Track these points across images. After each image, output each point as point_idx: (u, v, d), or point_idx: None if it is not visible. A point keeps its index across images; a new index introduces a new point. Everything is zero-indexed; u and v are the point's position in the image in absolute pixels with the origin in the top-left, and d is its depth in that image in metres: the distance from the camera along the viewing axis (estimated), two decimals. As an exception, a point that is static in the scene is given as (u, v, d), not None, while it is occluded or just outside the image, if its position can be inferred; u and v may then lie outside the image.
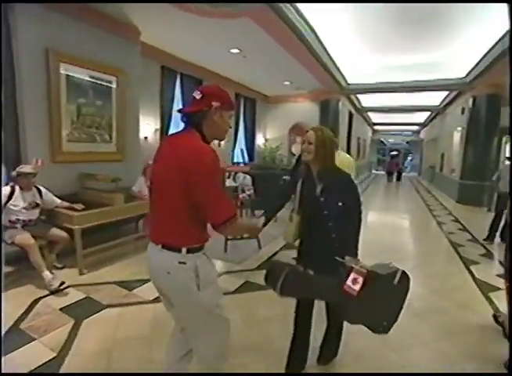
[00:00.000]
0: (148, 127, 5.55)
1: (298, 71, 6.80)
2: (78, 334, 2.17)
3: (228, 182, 4.14)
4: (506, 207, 3.19)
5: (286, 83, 8.08)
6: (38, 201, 3.03)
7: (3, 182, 3.07)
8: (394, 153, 23.92)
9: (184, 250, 1.18)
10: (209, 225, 1.22)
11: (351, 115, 11.59)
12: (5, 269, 2.86)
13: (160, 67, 5.66)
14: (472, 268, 3.62)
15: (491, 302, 2.78)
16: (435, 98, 10.37)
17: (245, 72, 7.10)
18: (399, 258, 3.92)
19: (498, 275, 3.36)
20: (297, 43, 5.20)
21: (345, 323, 1.81)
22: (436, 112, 12.66)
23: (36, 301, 2.58)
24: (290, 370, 1.75)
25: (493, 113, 7.57)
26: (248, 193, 4.06)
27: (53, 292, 2.69)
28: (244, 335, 2.18)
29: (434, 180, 13.12)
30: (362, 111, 13.34)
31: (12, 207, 2.83)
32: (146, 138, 5.49)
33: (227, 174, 4.14)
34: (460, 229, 5.61)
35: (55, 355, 1.92)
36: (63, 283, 2.74)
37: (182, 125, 1.29)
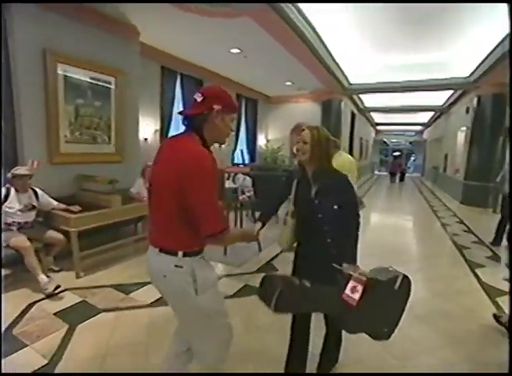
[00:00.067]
0: (148, 128, 5.51)
1: (300, 71, 6.74)
2: (72, 339, 2.11)
3: (228, 184, 4.08)
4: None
5: (288, 83, 8.02)
6: (34, 203, 2.98)
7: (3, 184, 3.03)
8: (397, 153, 23.75)
9: (180, 253, 1.15)
10: None
11: (353, 115, 11.51)
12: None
13: (160, 68, 5.63)
14: (478, 271, 3.53)
15: (498, 307, 2.69)
16: (439, 98, 10.26)
17: (246, 72, 7.06)
18: (402, 261, 3.84)
19: (505, 279, 3.26)
20: (298, 43, 5.14)
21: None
22: (440, 112, 12.53)
23: (31, 305, 2.53)
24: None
25: (498, 112, 7.45)
26: (248, 194, 4.00)
27: (48, 296, 2.64)
28: (243, 341, 2.11)
29: (438, 181, 12.98)
30: (365, 111, 13.24)
31: (7, 209, 2.79)
32: (145, 139, 5.45)
33: (226, 175, 4.07)
34: (465, 231, 5.51)
35: (46, 362, 1.86)
36: (58, 286, 2.69)
37: (182, 126, 1.25)
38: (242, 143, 8.87)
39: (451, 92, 9.44)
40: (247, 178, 4.11)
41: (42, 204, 3.06)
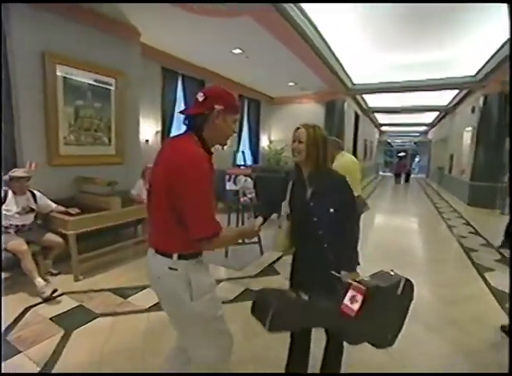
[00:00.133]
0: (149, 129, 5.48)
1: (303, 72, 6.68)
2: (67, 345, 2.06)
3: (229, 186, 4.02)
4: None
5: (291, 84, 7.96)
6: (33, 206, 2.95)
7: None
8: (402, 154, 23.54)
9: (175, 256, 1.13)
10: None
11: (357, 116, 11.41)
12: (-1, 275, 2.79)
13: (161, 69, 5.60)
14: (486, 275, 3.41)
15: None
16: (444, 97, 10.12)
17: (248, 73, 7.01)
18: (408, 264, 3.75)
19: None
20: (300, 43, 5.08)
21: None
22: (445, 112, 12.37)
23: (27, 309, 2.48)
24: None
25: (505, 111, 7.30)
26: (250, 196, 3.94)
27: (45, 300, 2.60)
28: (242, 348, 2.04)
29: (443, 182, 12.80)
30: (369, 112, 13.13)
31: (4, 212, 2.76)
32: (147, 141, 5.42)
33: (227, 177, 4.01)
34: (472, 233, 5.38)
35: (39, 369, 1.81)
36: (55, 290, 2.64)
37: (184, 127, 1.22)
38: (244, 145, 8.82)
39: (456, 91, 9.31)
40: (249, 179, 4.04)
41: (41, 207, 3.03)
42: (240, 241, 3.65)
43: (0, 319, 2.13)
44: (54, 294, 2.63)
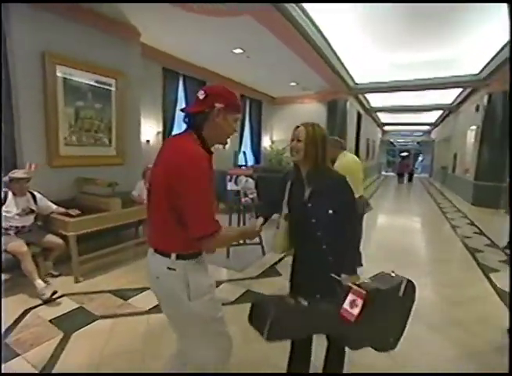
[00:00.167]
0: (150, 130, 5.47)
1: (304, 72, 6.64)
2: (66, 348, 2.03)
3: (230, 186, 3.99)
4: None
5: (293, 84, 7.92)
6: (33, 207, 2.94)
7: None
8: (405, 154, 23.40)
9: (173, 255, 1.12)
10: None
11: (359, 116, 11.35)
12: (-1, 276, 2.78)
13: (162, 69, 5.59)
14: (492, 276, 3.36)
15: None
16: (447, 96, 10.04)
17: (250, 73, 6.98)
18: (411, 264, 3.69)
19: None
20: (302, 43, 5.05)
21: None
22: (448, 111, 12.28)
23: (27, 311, 2.46)
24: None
25: (510, 110, 7.21)
26: (251, 196, 3.91)
27: (45, 302, 2.58)
28: (242, 350, 2.01)
29: (447, 181, 12.70)
30: (371, 112, 13.06)
31: (4, 213, 2.75)
32: (148, 141, 5.41)
33: (229, 177, 3.99)
34: (477, 233, 5.31)
35: (36, 372, 1.79)
36: (55, 292, 2.62)
37: (185, 127, 1.21)
38: (246, 145, 8.79)
39: (460, 90, 9.23)
40: (250, 180, 4.01)
41: (41, 208, 3.02)
42: (242, 242, 3.63)
43: (0, 321, 2.11)
44: (54, 296, 2.62)
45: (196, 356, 1.23)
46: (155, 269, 1.16)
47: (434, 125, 17.05)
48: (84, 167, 3.79)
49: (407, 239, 5.13)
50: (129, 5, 3.72)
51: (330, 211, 1.29)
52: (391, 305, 1.08)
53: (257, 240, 3.75)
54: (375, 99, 11.04)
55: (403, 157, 20.99)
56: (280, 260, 3.68)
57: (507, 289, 2.98)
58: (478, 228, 5.66)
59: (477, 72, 7.20)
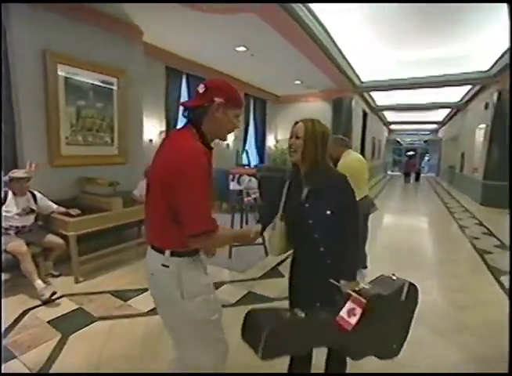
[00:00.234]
0: (153, 129, 5.44)
1: (310, 70, 6.56)
2: (63, 350, 2.00)
3: (233, 186, 3.94)
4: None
5: (297, 82, 7.84)
6: (33, 207, 2.92)
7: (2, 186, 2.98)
8: (412, 153, 23.10)
9: (168, 252, 1.10)
10: None
11: (365, 114, 11.21)
12: (-1, 276, 2.77)
13: (165, 68, 5.55)
14: (503, 279, 3.24)
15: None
16: (455, 94, 9.85)
17: (254, 71, 6.92)
18: (417, 265, 3.59)
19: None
20: (309, 42, 4.99)
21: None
22: (456, 109, 12.05)
23: (25, 312, 2.44)
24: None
25: (510, 109, 7.03)
26: (254, 196, 3.85)
27: (44, 302, 2.56)
28: (241, 355, 1.95)
29: (454, 181, 12.48)
30: (377, 110, 12.89)
31: (4, 213, 2.73)
32: (150, 140, 5.38)
33: (231, 176, 3.93)
34: (486, 234, 5.18)
35: (36, 373, 1.76)
36: (54, 293, 2.60)
37: None
38: (250, 144, 8.73)
39: (468, 87, 9.04)
40: (253, 179, 3.95)
41: (41, 208, 3.00)
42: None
43: (0, 321, 2.09)
44: (53, 297, 2.59)
45: (190, 359, 1.19)
46: (151, 265, 1.16)
47: (441, 124, 16.79)
48: (86, 166, 3.77)
49: (413, 239, 5.02)
50: (131, 4, 3.68)
51: (328, 212, 1.22)
52: (393, 310, 1.04)
53: (260, 240, 3.69)
54: (381, 98, 10.89)
55: (410, 156, 20.72)
56: (283, 261, 3.61)
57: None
58: (487, 228, 5.52)
59: (487, 69, 7.02)
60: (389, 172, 21.87)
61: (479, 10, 4.25)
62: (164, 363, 1.83)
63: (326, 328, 0.89)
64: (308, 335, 0.88)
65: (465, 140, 10.83)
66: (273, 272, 3.33)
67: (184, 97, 5.97)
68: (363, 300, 0.87)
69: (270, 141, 9.67)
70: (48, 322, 2.31)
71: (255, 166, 8.25)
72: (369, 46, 5.88)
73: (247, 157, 8.11)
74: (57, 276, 3.09)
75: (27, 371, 1.79)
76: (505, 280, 3.23)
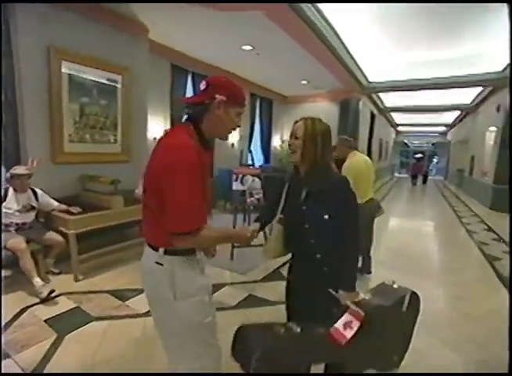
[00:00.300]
0: (158, 127, 5.42)
1: (317, 70, 6.46)
2: (58, 350, 1.97)
3: (236, 186, 3.88)
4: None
5: (304, 82, 7.75)
6: (34, 204, 2.90)
7: (3, 183, 2.98)
8: (419, 155, 22.80)
9: (161, 250, 1.08)
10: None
11: (372, 116, 11.06)
12: (-1, 273, 2.76)
13: (171, 66, 5.52)
14: (513, 287, 3.13)
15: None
16: (466, 96, 9.64)
17: (260, 71, 6.85)
18: (423, 271, 3.48)
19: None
20: (316, 42, 4.91)
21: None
22: (466, 111, 11.82)
23: (23, 310, 2.42)
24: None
25: (510, 115, 6.86)
26: (257, 197, 3.79)
27: (43, 300, 2.54)
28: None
29: (463, 184, 12.25)
30: (385, 111, 12.72)
31: (5, 209, 2.72)
32: (155, 138, 5.35)
33: (234, 176, 3.88)
34: (495, 240, 5.03)
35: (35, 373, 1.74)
36: (52, 291, 2.58)
37: None
38: (256, 144, 8.67)
39: (479, 89, 8.84)
40: (256, 179, 3.89)
41: (42, 205, 2.98)
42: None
43: (0, 318, 2.08)
44: (51, 295, 2.57)
45: (179, 362, 1.14)
46: (145, 263, 1.15)
47: (450, 126, 16.52)
48: (89, 164, 3.75)
49: (419, 244, 4.90)
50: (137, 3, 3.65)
51: (326, 217, 1.16)
52: (395, 321, 0.98)
53: (263, 241, 3.63)
54: (389, 99, 10.73)
55: (418, 159, 20.45)
56: (285, 263, 3.53)
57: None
58: (497, 234, 5.38)
59: (500, 70, 6.84)
60: (396, 174, 21.64)
61: (489, 10, 4.13)
62: (159, 364, 1.79)
63: (322, 343, 0.82)
64: (304, 352, 0.82)
65: (475, 143, 10.62)
66: (275, 275, 3.27)
67: (189, 95, 5.94)
68: (361, 313, 0.81)
69: (276, 141, 9.60)
70: (45, 321, 2.29)
71: (260, 166, 8.18)
72: (377, 46, 5.77)
73: (252, 156, 8.04)
74: (57, 273, 3.07)
75: (20, 371, 1.76)
76: (515, 288, 3.11)
